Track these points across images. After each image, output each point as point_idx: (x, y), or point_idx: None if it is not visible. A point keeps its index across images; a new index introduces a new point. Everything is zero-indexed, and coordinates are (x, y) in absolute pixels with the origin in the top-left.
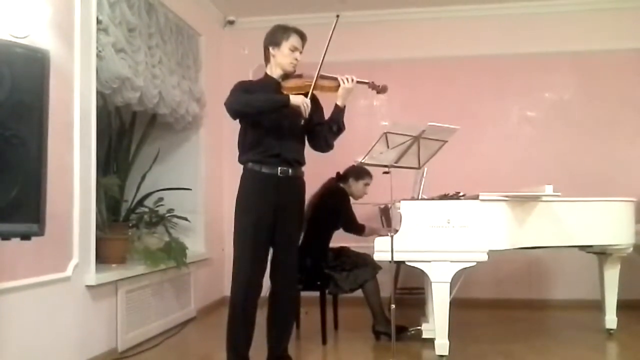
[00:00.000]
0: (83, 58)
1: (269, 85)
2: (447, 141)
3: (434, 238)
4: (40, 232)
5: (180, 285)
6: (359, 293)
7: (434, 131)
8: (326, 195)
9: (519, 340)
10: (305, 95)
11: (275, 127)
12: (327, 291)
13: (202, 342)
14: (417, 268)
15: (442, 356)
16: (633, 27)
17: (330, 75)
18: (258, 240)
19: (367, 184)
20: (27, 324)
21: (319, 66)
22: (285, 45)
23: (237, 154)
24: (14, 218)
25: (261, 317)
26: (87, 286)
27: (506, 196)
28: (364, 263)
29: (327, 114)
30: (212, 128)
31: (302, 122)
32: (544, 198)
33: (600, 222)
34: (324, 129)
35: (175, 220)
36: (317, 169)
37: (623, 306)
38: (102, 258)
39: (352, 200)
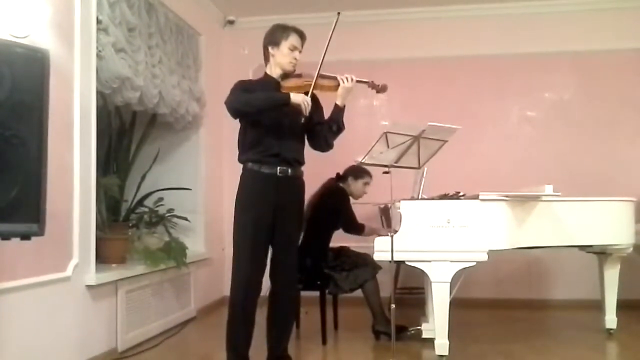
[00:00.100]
0: (83, 58)
1: (269, 85)
2: (447, 141)
3: (434, 238)
4: (40, 232)
5: (180, 285)
6: (358, 293)
7: (434, 131)
8: (326, 195)
9: (519, 340)
10: (305, 94)
11: (275, 126)
12: (327, 291)
13: (202, 342)
14: (417, 268)
15: (442, 356)
16: (633, 27)
17: (330, 74)
18: (257, 240)
19: (366, 183)
20: (27, 324)
21: (319, 65)
22: (285, 45)
23: (237, 153)
24: (14, 218)
25: (261, 317)
26: (87, 286)
27: (506, 196)
28: (364, 263)
29: (327, 113)
30: (212, 128)
31: (303, 120)
32: (544, 198)
33: (600, 222)
34: (323, 129)
35: (175, 220)
36: (317, 169)
37: (623, 306)
38: (102, 258)
39: (352, 200)
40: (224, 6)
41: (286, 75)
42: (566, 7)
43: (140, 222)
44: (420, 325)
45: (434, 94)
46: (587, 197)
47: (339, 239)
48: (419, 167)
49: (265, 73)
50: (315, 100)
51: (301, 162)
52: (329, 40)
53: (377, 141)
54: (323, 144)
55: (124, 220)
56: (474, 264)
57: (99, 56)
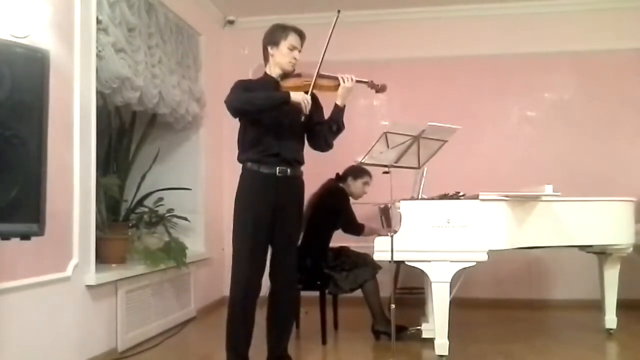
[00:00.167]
0: (83, 58)
1: (269, 85)
2: (447, 141)
3: (434, 238)
4: (40, 232)
5: (180, 285)
6: (358, 293)
7: (434, 131)
8: (326, 195)
9: (519, 340)
10: (305, 94)
11: (275, 125)
12: (327, 291)
13: (202, 342)
14: (417, 268)
15: (442, 356)
16: (633, 27)
17: (330, 74)
18: (257, 240)
19: (366, 183)
20: (27, 324)
21: (318, 64)
22: (284, 45)
23: (237, 153)
24: (14, 218)
25: (261, 317)
26: (87, 286)
27: (506, 196)
28: (364, 263)
29: (327, 113)
30: (212, 128)
31: (303, 118)
32: (544, 198)
33: (600, 222)
34: (323, 129)
35: (175, 220)
36: (317, 169)
37: (623, 306)
38: (102, 258)
39: (352, 200)
40: (224, 6)
41: (286, 75)
42: (566, 7)
43: (140, 222)
44: (420, 325)
45: (434, 94)
46: (587, 197)
47: (339, 239)
48: (418, 167)
49: (265, 73)
50: (315, 99)
51: (301, 162)
52: (329, 39)
53: (377, 141)
54: (323, 144)
55: (123, 220)
56: (474, 264)
57: (98, 56)
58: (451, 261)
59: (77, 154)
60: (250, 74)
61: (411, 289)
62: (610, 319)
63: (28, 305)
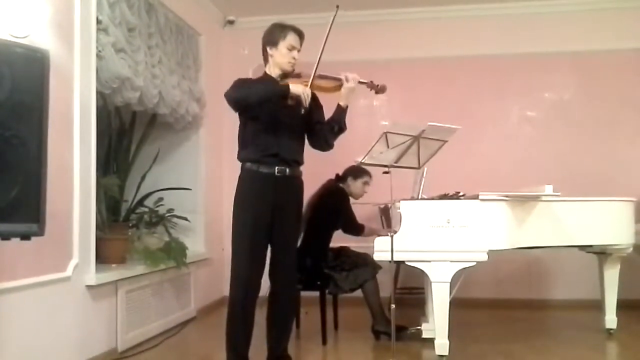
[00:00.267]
0: (83, 58)
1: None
2: (447, 141)
3: (434, 238)
4: (40, 232)
5: (180, 285)
6: (358, 293)
7: (434, 131)
8: (326, 195)
9: (519, 340)
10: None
11: (274, 125)
12: (327, 291)
13: (202, 342)
14: (417, 268)
15: (442, 356)
16: (633, 27)
17: (332, 75)
18: (256, 240)
19: (365, 183)
20: (27, 324)
21: (317, 62)
22: (283, 45)
23: (237, 151)
24: (14, 218)
25: (261, 317)
26: (87, 286)
27: (506, 196)
28: (364, 263)
29: (327, 113)
30: (212, 128)
31: (303, 111)
32: (544, 198)
33: (600, 222)
34: (324, 128)
35: (175, 220)
36: (317, 170)
37: (623, 306)
38: (102, 258)
39: (352, 200)
40: (224, 6)
41: (285, 75)
42: (566, 7)
43: (140, 222)
44: (420, 325)
45: (434, 94)
46: (587, 197)
47: (339, 239)
48: (418, 167)
49: (265, 73)
50: (314, 98)
51: (300, 162)
52: (328, 34)
53: (377, 141)
54: (323, 144)
55: (124, 221)
56: (474, 264)
57: (98, 56)
58: (451, 261)
59: (77, 154)
60: (250, 74)
61: (411, 289)
62: (611, 319)
63: (28, 305)
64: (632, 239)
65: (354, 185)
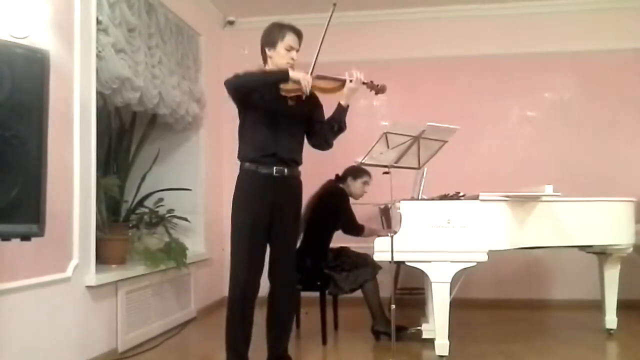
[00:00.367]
0: (83, 58)
1: None
2: (447, 141)
3: (434, 238)
4: (40, 233)
5: (180, 285)
6: (358, 293)
7: (433, 131)
8: (325, 195)
9: (519, 340)
10: (304, 95)
11: (273, 125)
12: (327, 291)
13: (202, 343)
14: (417, 268)
15: (442, 356)
16: (633, 27)
17: (333, 76)
18: (254, 240)
19: (365, 183)
20: (27, 324)
21: (314, 59)
22: (281, 46)
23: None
24: (14, 218)
25: (261, 317)
26: (87, 287)
27: (506, 196)
28: (364, 263)
29: (327, 114)
30: (212, 128)
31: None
32: (544, 198)
33: (600, 222)
34: (324, 128)
35: (175, 220)
36: (317, 170)
37: (623, 306)
38: (102, 258)
39: (352, 200)
40: (223, 7)
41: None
42: (566, 7)
43: (140, 223)
44: (421, 326)
45: (434, 94)
46: (587, 197)
47: (339, 239)
48: (419, 168)
49: None
50: (314, 98)
51: (298, 162)
52: (326, 30)
53: (377, 141)
54: (323, 143)
55: (124, 221)
56: (474, 264)
57: (98, 56)
58: (451, 261)
59: (77, 155)
60: None
61: (411, 290)
62: (611, 319)
63: (28, 306)
64: (632, 239)
65: (353, 186)
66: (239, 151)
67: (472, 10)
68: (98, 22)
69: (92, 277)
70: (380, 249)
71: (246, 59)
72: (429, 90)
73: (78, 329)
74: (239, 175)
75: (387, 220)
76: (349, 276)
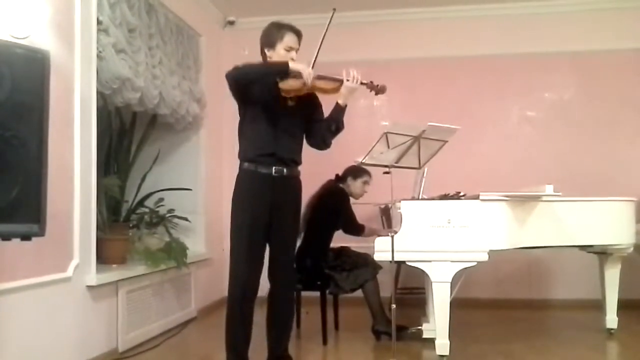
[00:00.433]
0: (83, 58)
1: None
2: (447, 141)
3: (435, 238)
4: (41, 233)
5: (180, 285)
6: (359, 293)
7: (434, 131)
8: (325, 195)
9: (519, 340)
10: (304, 96)
11: (272, 124)
12: (327, 291)
13: (202, 343)
14: (417, 268)
15: (442, 356)
16: (633, 27)
17: (332, 76)
18: (254, 240)
19: (365, 182)
20: (27, 324)
21: (312, 62)
22: (280, 46)
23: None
24: (14, 218)
25: (261, 317)
26: (87, 286)
27: (506, 196)
28: (364, 263)
29: (327, 114)
30: (212, 128)
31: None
32: (544, 198)
33: (600, 222)
34: (322, 127)
35: (175, 220)
36: (317, 170)
37: (623, 306)
38: (103, 258)
39: (352, 200)
40: (224, 7)
41: (284, 76)
42: (566, 7)
43: (140, 223)
44: (421, 326)
45: (434, 94)
46: (587, 197)
47: (340, 239)
48: (419, 168)
49: None
50: (314, 97)
51: (298, 162)
52: (324, 36)
53: (378, 141)
54: (320, 143)
55: (124, 221)
56: (475, 264)
57: (99, 57)
58: (452, 261)
59: (77, 155)
60: None
61: (412, 289)
62: (611, 319)
63: (28, 306)
64: (633, 238)
65: (353, 185)
66: (239, 150)
67: (472, 10)
68: (98, 22)
69: (92, 276)
70: (381, 249)
71: (246, 59)
72: (429, 90)
73: (78, 328)
74: (238, 175)
75: (387, 220)
76: (349, 276)
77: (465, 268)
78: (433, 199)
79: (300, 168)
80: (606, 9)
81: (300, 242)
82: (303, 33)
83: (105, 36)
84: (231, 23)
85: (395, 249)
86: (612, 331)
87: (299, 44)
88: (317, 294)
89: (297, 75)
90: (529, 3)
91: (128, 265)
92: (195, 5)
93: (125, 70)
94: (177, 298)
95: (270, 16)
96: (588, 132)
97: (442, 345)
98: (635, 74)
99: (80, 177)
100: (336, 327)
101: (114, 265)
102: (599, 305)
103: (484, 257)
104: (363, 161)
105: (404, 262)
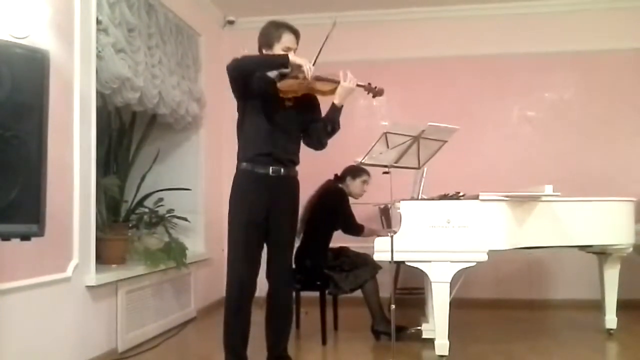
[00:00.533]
0: (83, 58)
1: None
2: (447, 141)
3: (434, 238)
4: (40, 233)
5: (180, 285)
6: (358, 293)
7: (433, 131)
8: (324, 195)
9: (519, 340)
10: (303, 96)
11: (270, 124)
12: (327, 291)
13: (202, 343)
14: (417, 268)
15: (442, 356)
16: (633, 27)
17: (330, 77)
18: (251, 240)
19: (364, 182)
20: (26, 324)
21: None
22: (278, 47)
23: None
24: (14, 218)
25: (260, 317)
26: (87, 286)
27: (506, 196)
28: (364, 263)
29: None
30: (211, 128)
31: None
32: (544, 198)
33: (600, 222)
34: (318, 127)
35: (175, 220)
36: (316, 170)
37: (623, 306)
38: (102, 258)
39: (352, 200)
40: (223, 6)
41: (283, 76)
42: (566, 7)
43: (140, 223)
44: (420, 326)
45: (434, 94)
46: (587, 197)
47: (339, 239)
48: (418, 168)
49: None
50: (313, 98)
51: (295, 162)
52: (322, 47)
53: (377, 141)
54: (316, 143)
55: (124, 221)
56: (474, 264)
57: (98, 56)
58: (451, 261)
59: (77, 155)
60: None
61: (411, 289)
62: (611, 319)
63: (28, 306)
64: (632, 239)
65: (353, 185)
66: (238, 148)
67: (472, 10)
68: (98, 22)
69: (92, 277)
70: (380, 249)
71: None
72: (429, 90)
73: (78, 329)
74: (235, 175)
75: (387, 220)
76: (348, 276)
77: (465, 268)
78: (432, 199)
79: (298, 168)
80: (606, 9)
81: (300, 242)
82: (303, 33)
83: (105, 36)
84: (231, 23)
85: (394, 249)
86: (612, 331)
87: (297, 44)
88: (317, 294)
89: (296, 72)
90: (529, 3)
91: (127, 265)
92: (194, 5)
93: (125, 70)
94: (177, 298)
95: (270, 16)
96: (588, 132)
97: (442, 346)
98: (635, 74)
99: (79, 177)
100: (335, 327)
101: (114, 266)
102: (598, 306)
103: (484, 258)
104: (362, 161)
105: (403, 262)
